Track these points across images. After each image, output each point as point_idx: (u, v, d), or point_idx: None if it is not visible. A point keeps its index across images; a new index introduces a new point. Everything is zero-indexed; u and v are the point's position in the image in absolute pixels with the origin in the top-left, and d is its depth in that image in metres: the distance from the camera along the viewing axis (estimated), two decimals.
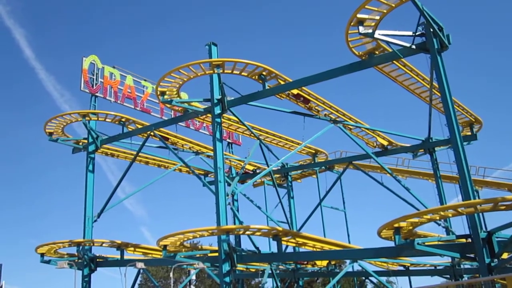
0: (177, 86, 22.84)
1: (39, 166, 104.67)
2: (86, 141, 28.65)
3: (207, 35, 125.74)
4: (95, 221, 27.14)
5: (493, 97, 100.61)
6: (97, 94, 29.42)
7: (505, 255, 17.46)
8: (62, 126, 27.99)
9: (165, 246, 21.25)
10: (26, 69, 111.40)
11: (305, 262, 28.45)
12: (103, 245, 25.72)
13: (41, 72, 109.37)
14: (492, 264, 15.51)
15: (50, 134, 28.32)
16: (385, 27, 18.43)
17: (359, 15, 17.77)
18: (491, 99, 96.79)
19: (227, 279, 20.27)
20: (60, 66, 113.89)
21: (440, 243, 18.20)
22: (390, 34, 18.60)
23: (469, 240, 16.47)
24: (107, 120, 28.25)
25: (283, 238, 20.88)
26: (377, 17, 17.90)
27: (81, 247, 26.17)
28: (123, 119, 28.16)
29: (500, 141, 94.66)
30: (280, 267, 29.14)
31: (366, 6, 17.42)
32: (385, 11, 17.69)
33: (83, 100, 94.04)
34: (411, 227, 16.08)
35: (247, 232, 20.62)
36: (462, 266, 25.73)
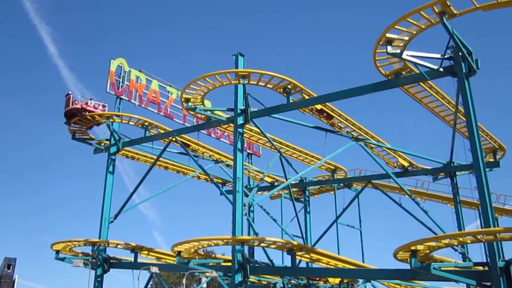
0: (202, 94, 22.99)
1: (58, 164, 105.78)
2: (108, 142, 28.91)
3: (234, 45, 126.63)
4: (111, 222, 27.34)
5: None
6: (122, 96, 29.70)
7: None
8: (85, 126, 28.31)
9: (179, 252, 21.29)
10: (50, 66, 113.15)
11: (318, 278, 28.23)
12: (118, 246, 25.89)
13: (64, 70, 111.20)
14: None
15: (74, 133, 28.64)
16: (413, 48, 18.44)
17: (388, 35, 17.79)
18: None
19: None
20: (82, 65, 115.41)
21: (456, 269, 17.96)
22: (418, 55, 18.56)
23: (486, 268, 16.25)
24: (130, 123, 28.53)
25: (297, 253, 20.76)
26: (406, 38, 17.90)
27: (96, 247, 26.35)
28: (146, 123, 28.42)
29: None
30: (292, 281, 28.91)
31: (396, 26, 17.45)
32: (414, 32, 17.68)
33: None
34: (428, 251, 15.92)
35: (262, 244, 20.56)
36: None
